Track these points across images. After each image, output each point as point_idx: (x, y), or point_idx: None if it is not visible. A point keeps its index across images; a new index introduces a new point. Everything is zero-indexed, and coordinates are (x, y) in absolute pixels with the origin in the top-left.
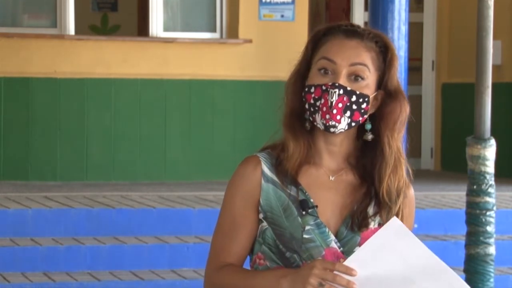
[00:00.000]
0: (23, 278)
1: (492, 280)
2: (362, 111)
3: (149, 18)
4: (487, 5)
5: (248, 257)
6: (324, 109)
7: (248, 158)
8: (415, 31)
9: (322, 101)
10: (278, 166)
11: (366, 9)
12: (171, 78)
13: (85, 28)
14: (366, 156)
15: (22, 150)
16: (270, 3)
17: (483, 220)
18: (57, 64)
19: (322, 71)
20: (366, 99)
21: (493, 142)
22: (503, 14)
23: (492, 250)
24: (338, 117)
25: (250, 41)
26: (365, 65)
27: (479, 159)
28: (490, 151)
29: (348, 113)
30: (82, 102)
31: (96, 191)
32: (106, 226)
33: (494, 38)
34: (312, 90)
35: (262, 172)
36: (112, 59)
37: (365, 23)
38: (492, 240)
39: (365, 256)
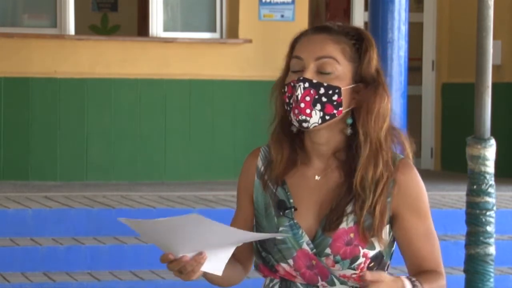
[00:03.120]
0: (23, 278)
1: (492, 280)
2: (335, 103)
3: (149, 18)
4: (487, 5)
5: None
6: (293, 104)
7: (252, 151)
8: (415, 31)
9: (293, 97)
10: (269, 164)
11: (366, 9)
12: (171, 78)
13: (85, 28)
14: (351, 150)
15: (22, 150)
16: (270, 3)
17: (483, 220)
18: (57, 64)
19: (294, 69)
20: (337, 91)
21: (493, 142)
22: (503, 14)
23: (492, 250)
24: (308, 110)
25: (250, 41)
26: (331, 57)
27: (479, 159)
28: (490, 151)
29: (318, 106)
30: (82, 102)
31: (96, 191)
32: (106, 226)
33: (494, 38)
34: (286, 89)
35: (256, 167)
36: (112, 59)
37: (365, 23)
38: (492, 240)
39: (162, 243)
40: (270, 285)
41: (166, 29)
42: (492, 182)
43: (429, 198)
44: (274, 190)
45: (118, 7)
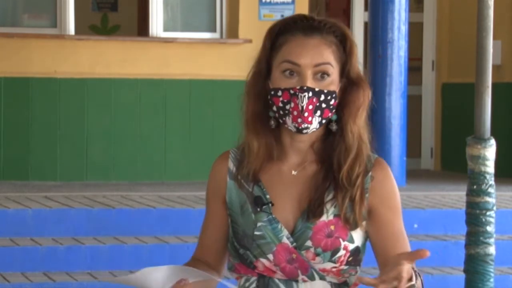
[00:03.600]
0: (23, 278)
1: (492, 280)
2: (331, 107)
3: (149, 18)
4: (487, 5)
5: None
6: (295, 113)
7: (220, 155)
8: (415, 31)
9: (292, 105)
10: (240, 163)
11: (366, 9)
12: (171, 78)
13: (85, 28)
14: (328, 141)
15: (22, 150)
16: (270, 3)
17: (483, 220)
18: (57, 64)
19: (287, 73)
20: (334, 95)
21: (493, 142)
22: (503, 14)
23: (492, 250)
24: (310, 118)
25: (250, 41)
26: (328, 63)
27: (479, 159)
28: (490, 151)
29: (318, 113)
30: (82, 102)
31: (96, 191)
32: (106, 226)
33: (494, 38)
34: (280, 93)
35: (228, 169)
36: (112, 59)
37: (365, 23)
38: (492, 240)
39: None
40: (246, 284)
41: (166, 29)
42: (492, 182)
43: (429, 198)
44: (250, 189)
45: (118, 7)
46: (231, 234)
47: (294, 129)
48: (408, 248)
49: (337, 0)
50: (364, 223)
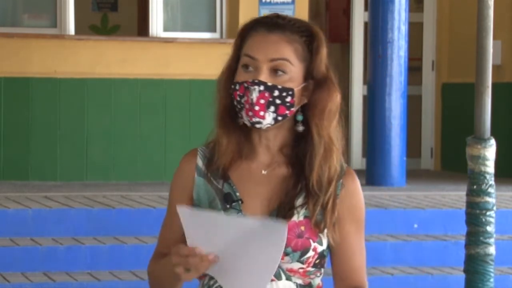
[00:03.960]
0: (23, 278)
1: (492, 280)
2: (288, 104)
3: (149, 18)
4: (487, 5)
5: None
6: (247, 106)
7: (188, 152)
8: (415, 31)
9: (245, 98)
10: (210, 160)
11: (366, 9)
12: (171, 78)
13: (85, 28)
14: (299, 146)
15: (22, 150)
16: (270, 3)
17: (483, 220)
18: (57, 64)
19: (245, 67)
20: (290, 93)
21: (493, 142)
22: (503, 14)
23: (492, 250)
24: (262, 113)
25: None
26: (285, 59)
27: (479, 159)
28: (490, 151)
29: (272, 108)
30: (82, 102)
31: (96, 191)
32: (106, 226)
33: (494, 38)
34: (237, 87)
35: (196, 166)
36: (112, 59)
37: (365, 23)
38: (492, 240)
39: (199, 241)
40: (211, 283)
41: (166, 29)
42: (492, 182)
43: (429, 198)
44: (219, 186)
45: (118, 7)
46: None
47: (248, 123)
48: (362, 264)
49: (337, 0)
50: (332, 229)
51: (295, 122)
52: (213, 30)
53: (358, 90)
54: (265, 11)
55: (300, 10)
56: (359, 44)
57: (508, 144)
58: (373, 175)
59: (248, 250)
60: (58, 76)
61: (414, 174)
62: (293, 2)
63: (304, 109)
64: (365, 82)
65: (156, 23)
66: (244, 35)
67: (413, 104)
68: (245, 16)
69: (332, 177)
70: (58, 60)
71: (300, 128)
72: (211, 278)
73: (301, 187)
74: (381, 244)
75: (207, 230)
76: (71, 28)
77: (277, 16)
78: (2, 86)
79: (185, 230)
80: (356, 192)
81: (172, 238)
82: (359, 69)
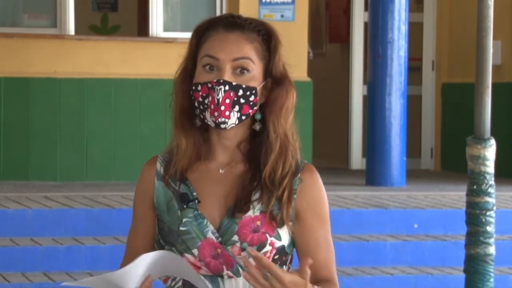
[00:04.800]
0: (23, 278)
1: (492, 280)
2: (251, 103)
3: (149, 18)
4: (487, 5)
5: None
6: (212, 106)
7: (149, 159)
8: (415, 31)
9: (210, 98)
10: (168, 164)
11: (366, 9)
12: (171, 78)
13: (85, 28)
14: (255, 142)
15: (22, 150)
16: (270, 3)
17: (483, 220)
18: (57, 64)
19: (207, 67)
20: (254, 92)
21: (493, 142)
22: (503, 14)
23: (492, 250)
24: (227, 113)
25: None
26: (248, 58)
27: (479, 159)
28: (490, 151)
29: (236, 108)
30: (82, 102)
31: (96, 191)
32: (106, 226)
33: (494, 38)
34: (199, 88)
35: (156, 171)
36: (112, 59)
37: (365, 23)
38: (492, 240)
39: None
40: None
41: (166, 29)
42: (492, 182)
43: (429, 198)
44: (176, 187)
45: (118, 7)
46: (157, 232)
47: (212, 124)
48: (329, 259)
49: (337, 0)
50: (291, 223)
51: (253, 120)
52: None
53: (358, 90)
54: (265, 11)
55: (300, 10)
56: (359, 44)
57: (508, 144)
58: (373, 175)
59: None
60: (58, 76)
61: (414, 174)
62: (293, 2)
63: (261, 107)
64: (365, 82)
65: (156, 23)
66: (200, 35)
67: (413, 104)
68: None
69: (286, 173)
70: (58, 60)
71: (258, 126)
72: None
73: (257, 183)
74: (381, 244)
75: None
76: (71, 28)
77: (232, 16)
78: (2, 86)
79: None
80: (315, 186)
81: (140, 248)
82: (359, 69)
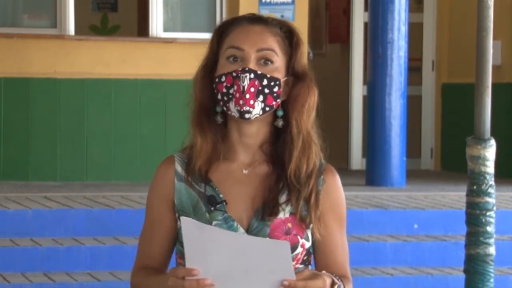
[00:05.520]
0: (23, 278)
1: (492, 280)
2: (275, 94)
3: (149, 18)
4: (487, 5)
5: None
6: (237, 95)
7: (164, 160)
8: (415, 31)
9: (235, 87)
10: (188, 164)
11: (366, 9)
12: (171, 79)
13: (85, 28)
14: (278, 142)
15: (22, 150)
16: (270, 3)
17: (483, 220)
18: (57, 64)
19: (231, 59)
20: (278, 82)
21: (493, 142)
22: (503, 15)
23: (492, 250)
24: (252, 101)
25: None
26: (272, 49)
27: (479, 160)
28: (490, 152)
29: (261, 97)
30: (82, 102)
31: (96, 192)
32: (106, 227)
33: (494, 38)
34: (223, 79)
35: (175, 172)
36: (112, 59)
37: (365, 24)
38: (492, 241)
39: (198, 258)
40: None
41: (166, 29)
42: (492, 182)
43: (429, 199)
44: (202, 189)
45: (118, 7)
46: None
47: (237, 114)
48: (345, 259)
49: (337, 1)
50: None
51: (275, 118)
52: (213, 30)
53: (358, 90)
54: (265, 12)
55: (300, 10)
56: (359, 44)
57: (508, 144)
58: (373, 175)
59: (251, 272)
60: (58, 76)
61: (414, 174)
62: (293, 3)
63: (283, 105)
64: (365, 82)
65: (156, 24)
66: (222, 32)
67: (413, 104)
68: None
69: (311, 171)
70: (58, 60)
71: (280, 123)
72: None
73: (283, 184)
74: (381, 244)
75: (208, 247)
76: (71, 28)
77: (253, 14)
78: (2, 86)
79: (184, 243)
80: (336, 188)
81: (156, 251)
82: (359, 69)
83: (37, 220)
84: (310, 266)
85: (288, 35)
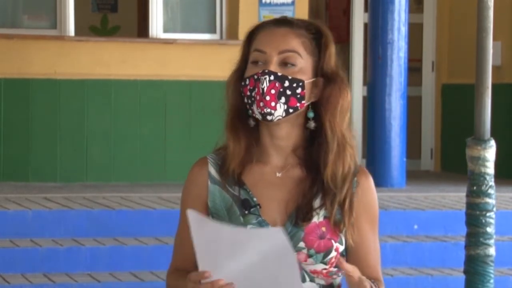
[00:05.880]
0: (23, 279)
1: (492, 281)
2: (298, 96)
3: (149, 19)
4: (487, 5)
5: None
6: (258, 97)
7: (197, 161)
8: (415, 32)
9: (256, 90)
10: (222, 167)
11: (366, 10)
12: (171, 79)
13: (85, 29)
14: (312, 146)
15: (22, 151)
16: (270, 4)
17: (483, 221)
18: (57, 65)
19: (255, 62)
20: (301, 84)
21: (493, 143)
22: (503, 15)
23: (492, 251)
24: (273, 103)
25: None
26: (295, 51)
27: (479, 160)
28: (490, 152)
29: (283, 99)
30: (82, 103)
31: (96, 192)
32: (106, 227)
33: (494, 39)
34: (247, 82)
35: (209, 174)
36: (112, 60)
37: (365, 24)
38: (492, 241)
39: (208, 256)
40: None
41: (166, 30)
42: (492, 183)
43: (429, 199)
44: (236, 192)
45: (118, 8)
46: None
47: (259, 116)
48: (377, 262)
49: (337, 1)
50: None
51: (306, 120)
52: (213, 31)
53: (358, 90)
54: (265, 12)
55: (300, 11)
56: (359, 45)
57: (508, 145)
58: (373, 176)
59: (258, 266)
60: (58, 77)
61: (414, 175)
62: (293, 3)
63: (315, 108)
64: (365, 83)
65: (156, 24)
66: (251, 35)
67: (413, 105)
68: (245, 17)
69: (347, 174)
70: (58, 61)
71: (312, 125)
72: None
73: (317, 188)
74: (381, 245)
75: (215, 243)
76: (71, 29)
77: (285, 16)
78: (2, 87)
79: (193, 236)
80: (370, 190)
81: (189, 253)
82: (359, 70)
83: (37, 221)
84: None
85: (317, 36)
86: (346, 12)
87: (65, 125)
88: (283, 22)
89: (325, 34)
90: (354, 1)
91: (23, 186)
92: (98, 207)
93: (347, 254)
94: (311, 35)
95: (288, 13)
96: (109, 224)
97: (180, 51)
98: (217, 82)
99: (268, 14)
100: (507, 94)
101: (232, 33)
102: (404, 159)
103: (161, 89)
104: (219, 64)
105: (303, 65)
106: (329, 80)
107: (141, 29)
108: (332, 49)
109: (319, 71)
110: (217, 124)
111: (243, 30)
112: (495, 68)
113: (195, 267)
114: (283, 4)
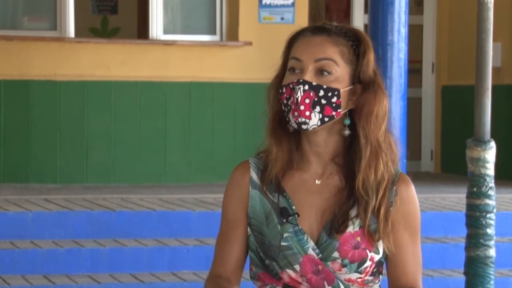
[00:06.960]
0: (23, 280)
1: (492, 282)
2: (334, 105)
3: (149, 20)
4: (487, 7)
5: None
6: (293, 106)
7: (240, 164)
8: (415, 34)
9: (291, 99)
10: (263, 172)
11: (366, 11)
12: (171, 81)
13: (85, 30)
14: (350, 154)
15: (22, 152)
16: (270, 6)
17: (483, 222)
18: (57, 66)
19: (292, 70)
20: (336, 93)
21: (493, 144)
22: (503, 16)
23: (492, 252)
24: (307, 113)
25: (250, 43)
26: (331, 59)
27: (479, 161)
28: (490, 153)
29: (317, 108)
30: (82, 105)
31: (96, 194)
32: (106, 229)
33: (494, 40)
34: (284, 90)
35: (250, 179)
36: (112, 62)
37: (365, 25)
38: (492, 243)
39: None
40: None
41: (166, 31)
42: (492, 184)
43: (429, 201)
44: (275, 199)
45: (118, 10)
46: (254, 243)
47: (295, 125)
48: (416, 270)
49: (337, 2)
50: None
51: (344, 127)
52: (213, 32)
53: None
54: (265, 14)
55: (300, 12)
56: None
57: (508, 146)
58: None
59: None
60: (58, 78)
61: (414, 177)
62: (293, 5)
63: (353, 115)
64: None
65: (156, 26)
66: (291, 42)
67: (413, 107)
68: (245, 19)
69: (379, 182)
70: (58, 62)
71: (346, 132)
72: (273, 286)
73: (354, 199)
74: None
75: None
76: (71, 31)
77: (324, 23)
78: (2, 88)
79: None
80: (410, 199)
81: (231, 256)
82: None
83: (37, 222)
84: (381, 276)
85: (355, 43)
86: (346, 14)
87: (65, 127)
88: (321, 30)
89: (364, 41)
90: (354, 3)
91: (23, 187)
92: (98, 208)
93: (386, 261)
94: (349, 43)
95: (288, 15)
96: (109, 225)
97: (180, 53)
98: (217, 83)
99: (268, 16)
100: (507, 96)
101: (232, 34)
102: (404, 161)
103: (161, 90)
104: (219, 65)
105: (339, 73)
106: (365, 87)
107: (141, 31)
108: (371, 56)
109: (356, 78)
110: (217, 125)
111: (243, 32)
112: (495, 70)
113: (235, 272)
114: (283, 6)
